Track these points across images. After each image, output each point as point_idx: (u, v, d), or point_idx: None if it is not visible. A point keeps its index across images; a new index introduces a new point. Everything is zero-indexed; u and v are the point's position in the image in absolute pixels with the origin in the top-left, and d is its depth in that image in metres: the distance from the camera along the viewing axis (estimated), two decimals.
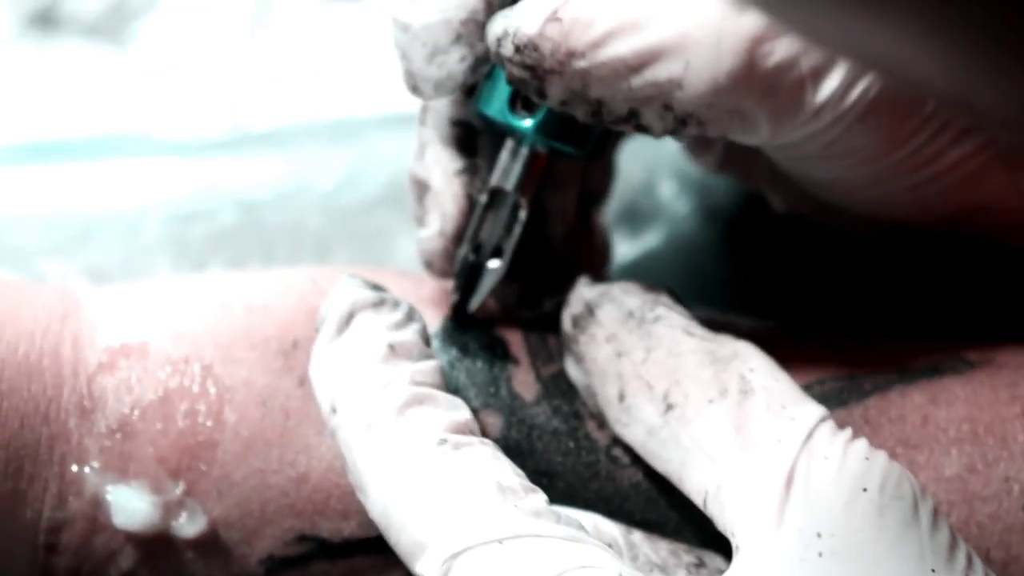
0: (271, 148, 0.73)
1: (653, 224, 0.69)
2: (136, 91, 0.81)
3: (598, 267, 0.56)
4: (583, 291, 0.52)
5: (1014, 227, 0.55)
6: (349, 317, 0.50)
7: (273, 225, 0.71)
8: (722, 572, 0.48)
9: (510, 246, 0.54)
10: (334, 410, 0.49)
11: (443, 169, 0.55)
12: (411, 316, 0.50)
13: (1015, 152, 0.51)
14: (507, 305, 0.55)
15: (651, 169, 0.70)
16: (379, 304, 0.50)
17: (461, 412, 0.48)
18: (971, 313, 0.59)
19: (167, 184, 0.72)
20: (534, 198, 0.54)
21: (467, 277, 0.54)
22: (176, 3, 0.86)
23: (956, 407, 0.52)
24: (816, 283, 0.65)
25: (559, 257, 0.56)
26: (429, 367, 0.49)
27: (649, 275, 0.55)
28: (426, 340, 0.51)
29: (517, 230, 0.54)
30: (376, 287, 0.51)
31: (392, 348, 0.49)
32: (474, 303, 0.54)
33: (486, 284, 0.54)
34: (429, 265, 0.55)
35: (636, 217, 0.69)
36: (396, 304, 0.50)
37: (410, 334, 0.50)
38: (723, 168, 0.63)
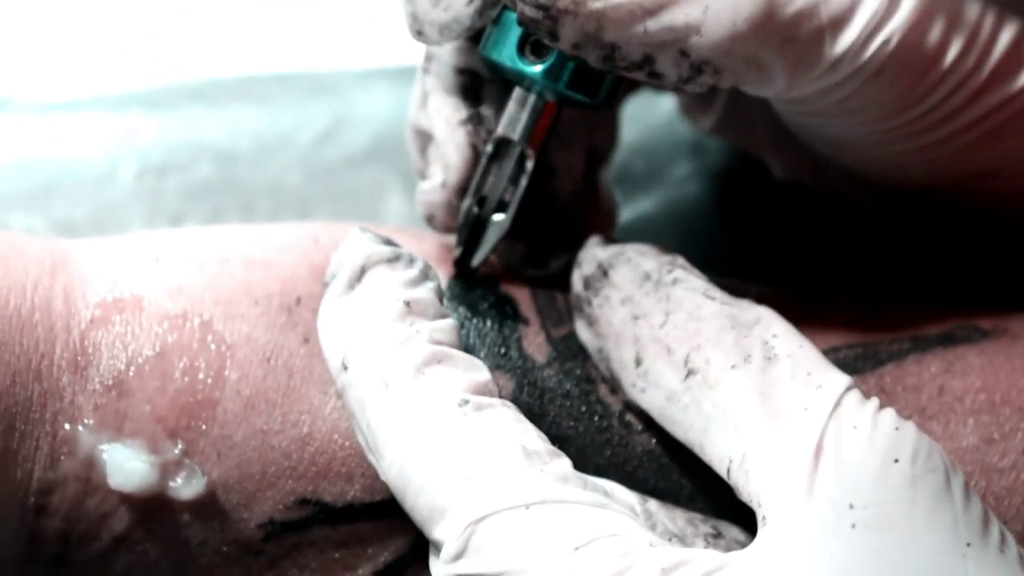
0: (248, 100, 0.71)
1: (648, 187, 0.68)
2: (108, 39, 0.78)
3: (604, 229, 0.55)
4: (596, 251, 0.51)
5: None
6: (362, 272, 0.48)
7: (251, 180, 0.69)
8: (739, 542, 0.47)
9: (515, 199, 0.53)
10: (345, 367, 0.47)
11: (446, 118, 0.53)
12: (427, 273, 0.49)
13: None
14: (511, 264, 0.54)
15: (647, 129, 0.68)
16: (394, 260, 0.49)
17: (481, 373, 0.47)
18: (978, 282, 0.59)
19: (140, 135, 0.69)
20: (541, 151, 0.52)
21: (470, 231, 0.53)
22: None
23: (972, 377, 0.51)
24: (813, 251, 0.64)
25: (566, 216, 0.55)
26: (447, 325, 0.48)
27: (642, 239, 0.53)
28: (441, 298, 0.49)
29: (523, 182, 0.52)
30: (389, 242, 0.49)
31: (408, 305, 0.47)
32: (477, 258, 0.53)
33: (490, 238, 0.53)
34: (431, 219, 0.54)
35: (630, 180, 0.68)
36: (412, 260, 0.49)
37: (426, 292, 0.48)
38: (720, 130, 0.61)
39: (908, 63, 0.48)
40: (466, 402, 0.45)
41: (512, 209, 0.52)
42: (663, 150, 0.69)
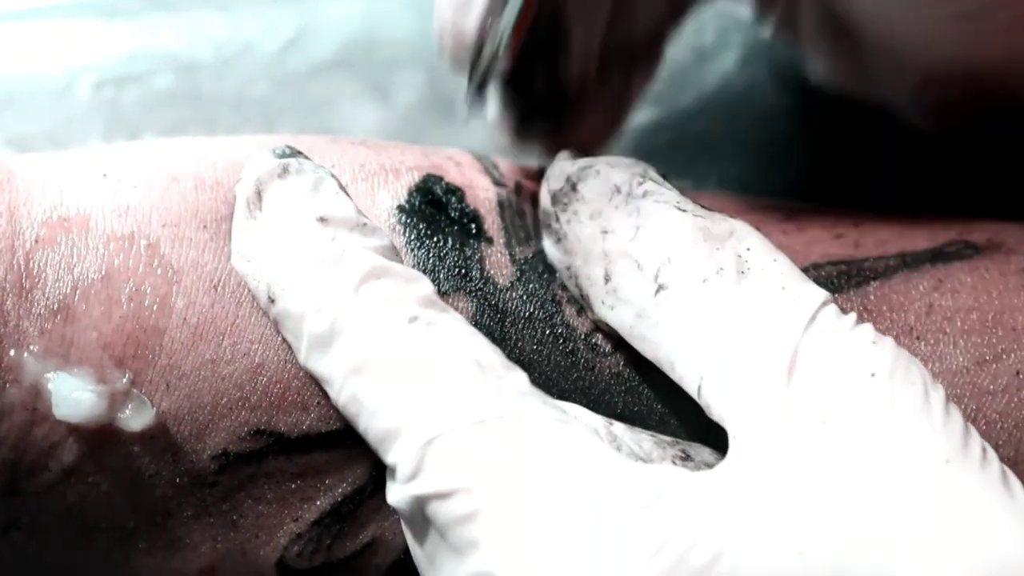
0: (210, 6, 0.69)
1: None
2: None
3: (601, 130, 0.53)
4: (564, 165, 0.49)
5: None
6: (258, 194, 0.47)
7: (213, 91, 0.67)
8: (709, 465, 0.46)
9: (503, 26, 0.50)
10: (272, 299, 0.46)
11: None
12: (320, 177, 0.47)
13: None
14: (498, 133, 0.52)
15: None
16: (284, 173, 0.47)
17: (423, 284, 0.45)
18: (976, 196, 0.56)
19: (97, 45, 0.67)
20: (559, 20, 0.50)
21: (472, 67, 0.51)
22: None
23: (962, 295, 0.49)
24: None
25: (567, 97, 0.52)
26: (376, 235, 0.46)
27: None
28: (347, 194, 0.47)
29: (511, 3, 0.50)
30: (284, 152, 0.48)
31: (323, 220, 0.46)
32: (470, 87, 0.51)
33: (479, 68, 0.51)
34: (442, 43, 0.51)
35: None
36: (301, 168, 0.47)
37: (331, 198, 0.46)
38: (777, 34, 0.59)
39: None
40: (415, 318, 0.44)
41: (500, 37, 0.50)
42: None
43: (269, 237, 0.46)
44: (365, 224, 0.46)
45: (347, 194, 0.48)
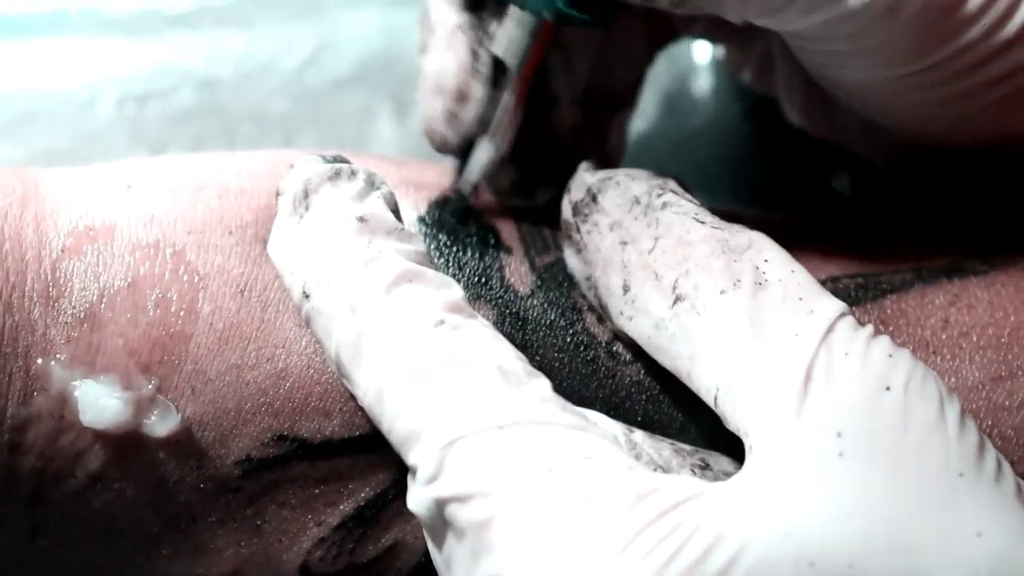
0: (231, 24, 0.70)
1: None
2: None
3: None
4: (585, 176, 0.49)
5: None
6: (306, 195, 0.47)
7: (234, 107, 0.67)
8: (728, 474, 0.46)
9: (499, 118, 0.51)
10: (307, 295, 0.46)
11: (444, 24, 0.52)
12: (372, 182, 0.48)
13: None
14: (499, 190, 0.52)
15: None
16: (335, 176, 0.47)
17: (453, 291, 0.45)
18: (989, 218, 0.57)
19: (120, 62, 0.68)
20: (539, 74, 0.51)
21: (466, 155, 0.51)
22: None
23: (978, 311, 0.49)
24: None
25: (562, 148, 0.53)
26: (411, 241, 0.46)
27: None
28: (395, 209, 0.48)
29: (506, 99, 0.51)
30: (336, 159, 0.48)
31: (363, 221, 0.46)
32: (466, 178, 0.51)
33: (477, 159, 0.51)
34: (430, 135, 0.52)
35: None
36: (353, 173, 0.47)
37: (376, 203, 0.47)
38: (756, 81, 0.60)
39: (927, 3, 0.46)
40: (442, 322, 0.44)
41: (500, 129, 0.51)
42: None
43: (309, 236, 0.46)
44: (402, 230, 0.47)
45: (394, 200, 0.48)
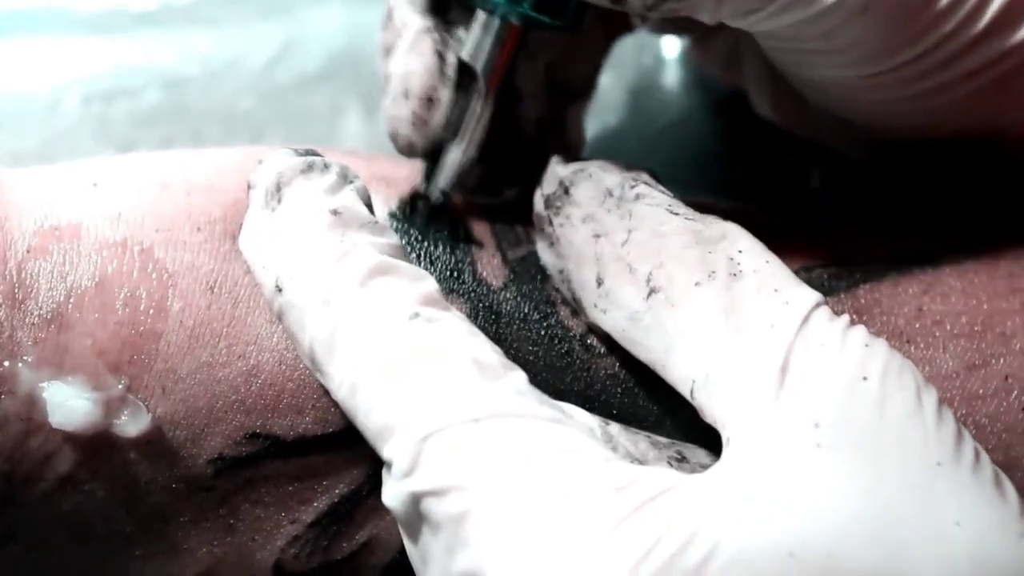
0: (197, 22, 0.69)
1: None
2: None
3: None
4: (557, 169, 0.49)
5: None
6: (278, 188, 0.47)
7: (202, 105, 0.67)
8: (704, 466, 0.46)
9: (469, 122, 0.51)
10: (279, 289, 0.46)
11: (410, 26, 0.52)
12: (345, 175, 0.47)
13: None
14: (466, 187, 0.52)
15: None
16: (308, 169, 0.47)
17: (428, 283, 0.45)
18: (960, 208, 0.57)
19: (86, 61, 0.67)
20: (506, 75, 0.50)
21: (434, 159, 0.51)
22: None
23: (952, 299, 0.49)
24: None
25: (528, 143, 0.53)
26: (385, 234, 0.46)
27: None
28: (368, 203, 0.47)
29: (475, 104, 0.50)
30: (308, 153, 0.48)
31: (337, 214, 0.46)
32: (435, 185, 0.51)
33: (447, 164, 0.51)
34: (395, 137, 0.52)
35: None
36: (326, 166, 0.47)
37: (349, 197, 0.47)
38: (724, 74, 0.60)
39: (899, 0, 0.46)
40: (417, 315, 0.44)
41: (468, 133, 0.50)
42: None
43: (282, 228, 0.46)
44: (376, 223, 0.46)
45: (367, 193, 0.48)
